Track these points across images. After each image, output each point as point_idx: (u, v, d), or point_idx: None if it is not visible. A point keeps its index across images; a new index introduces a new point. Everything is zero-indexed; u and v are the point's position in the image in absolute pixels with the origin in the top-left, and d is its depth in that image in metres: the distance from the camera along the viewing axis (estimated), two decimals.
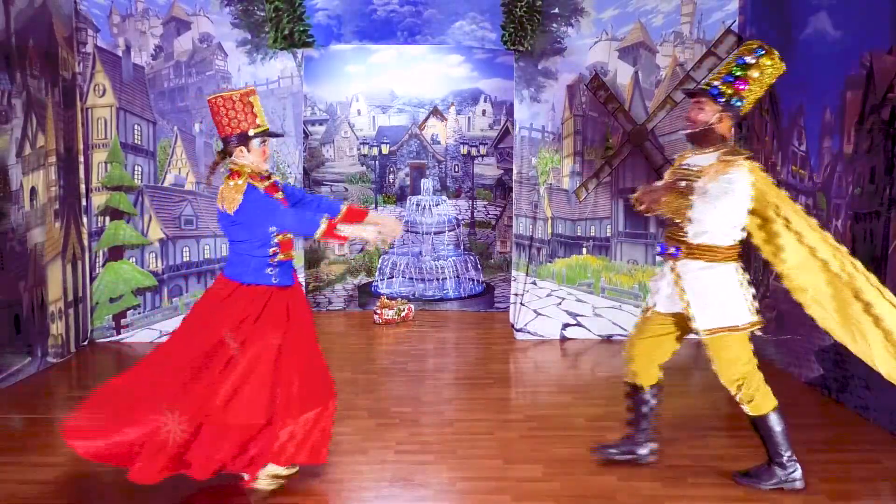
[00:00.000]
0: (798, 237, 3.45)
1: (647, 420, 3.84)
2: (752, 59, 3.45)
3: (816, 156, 5.07)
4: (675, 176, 3.66)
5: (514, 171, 6.61)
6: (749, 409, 3.59)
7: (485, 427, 4.43)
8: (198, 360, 3.46)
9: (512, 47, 6.39)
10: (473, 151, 7.71)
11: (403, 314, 7.09)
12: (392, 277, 7.65)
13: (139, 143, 6.37)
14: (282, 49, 6.36)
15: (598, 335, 6.55)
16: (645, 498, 3.52)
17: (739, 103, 3.50)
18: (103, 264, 6.39)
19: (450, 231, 7.73)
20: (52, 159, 5.80)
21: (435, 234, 7.71)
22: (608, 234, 6.58)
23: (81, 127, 6.26)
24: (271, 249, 3.49)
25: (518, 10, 6.29)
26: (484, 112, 7.65)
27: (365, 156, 7.73)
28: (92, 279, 6.38)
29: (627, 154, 6.48)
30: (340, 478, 3.80)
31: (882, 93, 4.32)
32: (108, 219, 6.37)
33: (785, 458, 3.60)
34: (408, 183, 7.79)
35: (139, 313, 6.47)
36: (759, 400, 3.57)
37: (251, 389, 3.44)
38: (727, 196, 3.41)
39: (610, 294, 6.57)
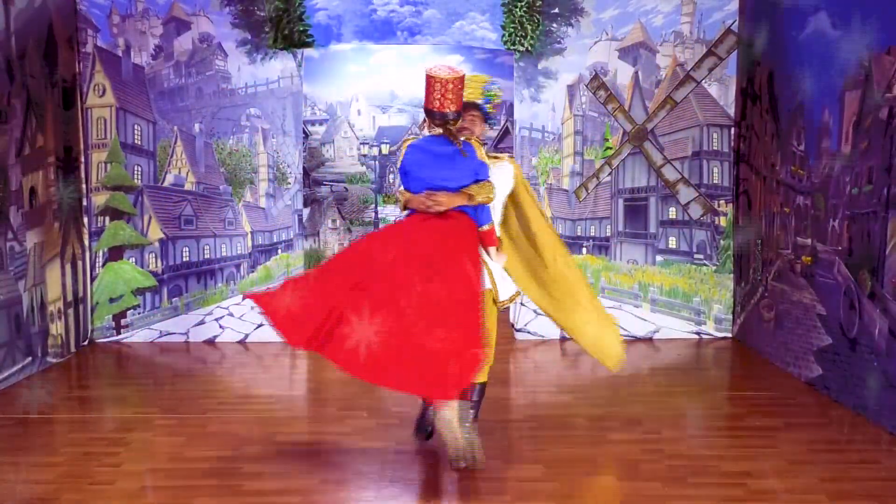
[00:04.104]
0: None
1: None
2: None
3: (815, 156, 5.08)
4: None
5: None
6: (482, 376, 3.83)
7: (485, 427, 4.41)
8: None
9: (512, 47, 6.40)
10: None
11: None
12: None
13: (139, 143, 6.37)
14: (282, 49, 6.36)
15: None
16: (645, 498, 3.51)
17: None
18: (103, 264, 6.40)
19: None
20: (52, 159, 5.81)
21: None
22: (608, 234, 6.58)
23: (81, 127, 6.26)
24: None
25: (518, 10, 6.29)
26: None
27: (365, 156, 7.73)
28: (92, 279, 6.38)
29: (627, 154, 6.48)
30: (340, 478, 3.80)
31: (880, 93, 4.33)
32: (107, 219, 6.37)
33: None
34: None
35: (139, 313, 6.47)
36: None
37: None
38: None
39: (610, 294, 6.57)
